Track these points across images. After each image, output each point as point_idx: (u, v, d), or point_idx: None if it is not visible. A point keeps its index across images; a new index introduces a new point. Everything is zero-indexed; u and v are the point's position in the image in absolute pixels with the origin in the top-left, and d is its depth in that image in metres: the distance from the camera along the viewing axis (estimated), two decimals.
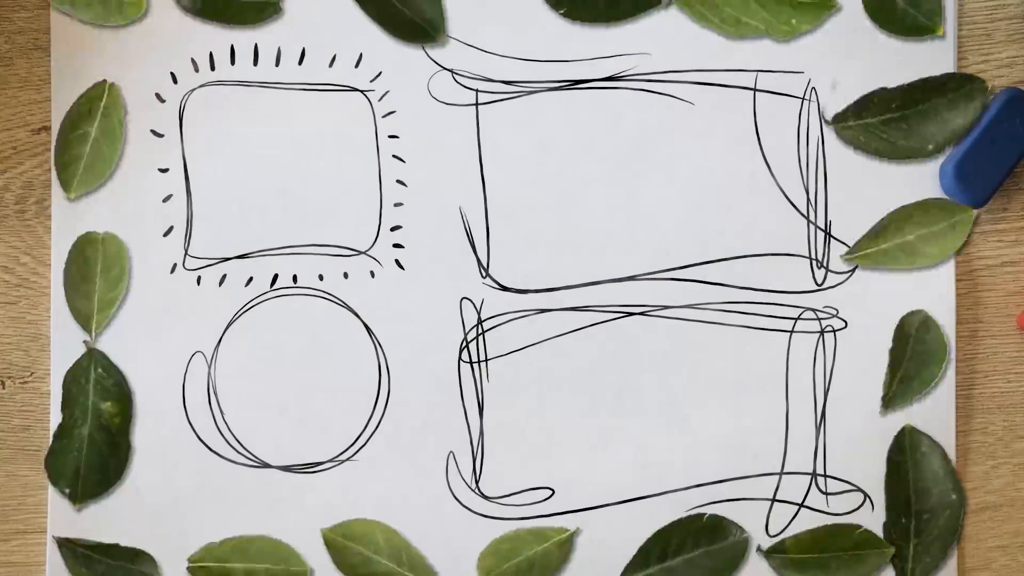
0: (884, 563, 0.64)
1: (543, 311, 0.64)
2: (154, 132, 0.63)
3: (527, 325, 0.64)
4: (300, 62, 0.63)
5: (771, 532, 0.64)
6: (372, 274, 0.64)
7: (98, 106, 0.63)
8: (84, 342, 0.63)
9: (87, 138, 0.63)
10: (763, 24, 0.63)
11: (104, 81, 0.63)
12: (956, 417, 0.64)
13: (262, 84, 0.63)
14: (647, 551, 0.63)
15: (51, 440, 0.63)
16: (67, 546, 0.63)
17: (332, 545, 0.63)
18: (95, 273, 0.63)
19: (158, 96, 0.63)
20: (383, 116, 0.64)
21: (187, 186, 0.64)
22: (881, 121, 0.63)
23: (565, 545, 0.63)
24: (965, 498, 0.64)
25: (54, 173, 0.63)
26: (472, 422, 0.64)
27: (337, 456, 0.64)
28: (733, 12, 0.63)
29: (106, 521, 0.63)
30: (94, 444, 0.63)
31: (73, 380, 0.63)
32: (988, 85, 0.62)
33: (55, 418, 0.63)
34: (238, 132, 0.63)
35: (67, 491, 0.63)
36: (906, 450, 0.63)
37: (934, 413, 0.64)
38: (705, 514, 0.63)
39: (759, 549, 0.64)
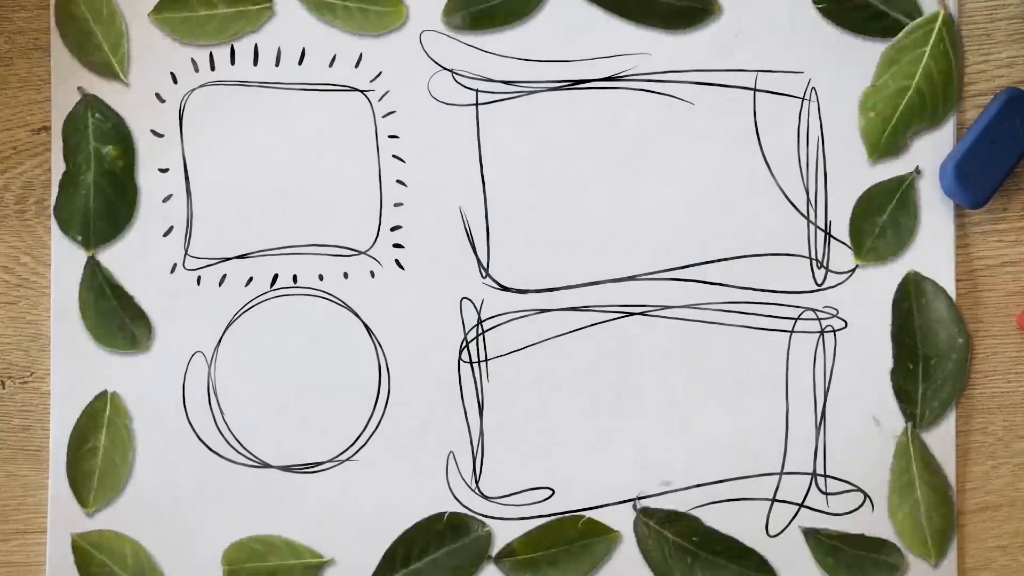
0: (612, 547, 0.63)
1: (543, 311, 0.64)
2: (154, 132, 0.63)
3: (527, 325, 0.64)
4: (300, 62, 0.63)
5: (771, 532, 0.64)
6: (372, 274, 0.64)
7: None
8: (78, 88, 0.63)
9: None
10: None
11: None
12: (956, 417, 0.64)
13: (262, 84, 0.63)
14: (392, 556, 0.63)
15: (56, 191, 0.63)
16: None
17: (77, 551, 0.63)
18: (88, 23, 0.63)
19: (158, 96, 0.63)
20: (383, 116, 0.64)
21: (187, 186, 0.64)
22: None
23: (311, 571, 0.63)
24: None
25: (54, 176, 0.63)
26: (472, 422, 0.64)
27: (337, 456, 0.64)
28: None
29: (106, 521, 0.63)
30: (100, 190, 0.63)
31: (72, 128, 0.63)
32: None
33: (58, 169, 0.63)
34: (238, 132, 0.63)
35: (79, 238, 0.63)
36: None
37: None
38: (446, 512, 0.63)
39: (488, 557, 0.63)
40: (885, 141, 0.63)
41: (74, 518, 0.63)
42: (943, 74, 0.63)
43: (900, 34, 0.63)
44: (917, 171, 0.63)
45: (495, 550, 0.63)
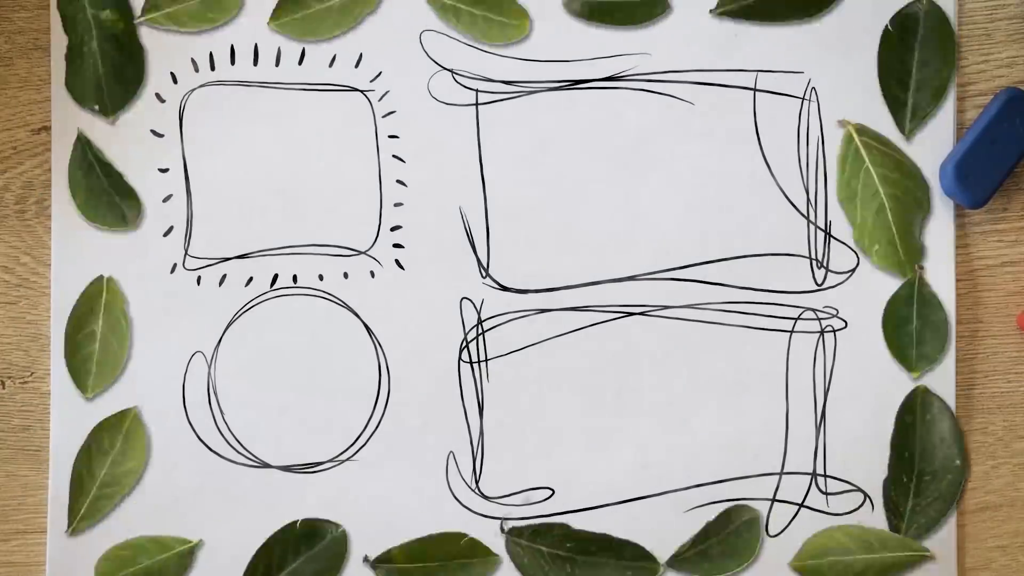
0: (491, 571, 0.63)
1: (543, 311, 0.64)
2: (154, 132, 0.64)
3: (527, 325, 0.64)
4: (300, 62, 0.63)
5: (771, 532, 0.64)
6: (372, 274, 0.64)
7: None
8: None
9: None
10: None
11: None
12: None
13: (262, 84, 0.63)
14: (253, 570, 0.63)
15: (64, 65, 0.63)
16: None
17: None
18: None
19: (158, 96, 0.63)
20: (383, 116, 0.64)
21: (187, 186, 0.64)
22: None
23: (186, 557, 0.63)
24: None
25: (54, 177, 0.63)
26: (472, 422, 0.64)
27: (337, 456, 0.64)
28: None
29: (106, 520, 0.63)
30: (106, 55, 0.63)
31: (67, 1, 0.63)
32: None
33: (60, 43, 0.63)
34: (238, 132, 0.63)
35: (96, 107, 0.63)
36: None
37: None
38: (298, 520, 0.63)
39: (366, 559, 0.63)
40: (905, 255, 0.63)
41: (76, 407, 0.63)
42: (896, 167, 0.63)
43: (835, 176, 0.63)
44: (920, 267, 0.63)
45: (375, 554, 0.63)
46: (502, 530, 0.63)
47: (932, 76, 0.63)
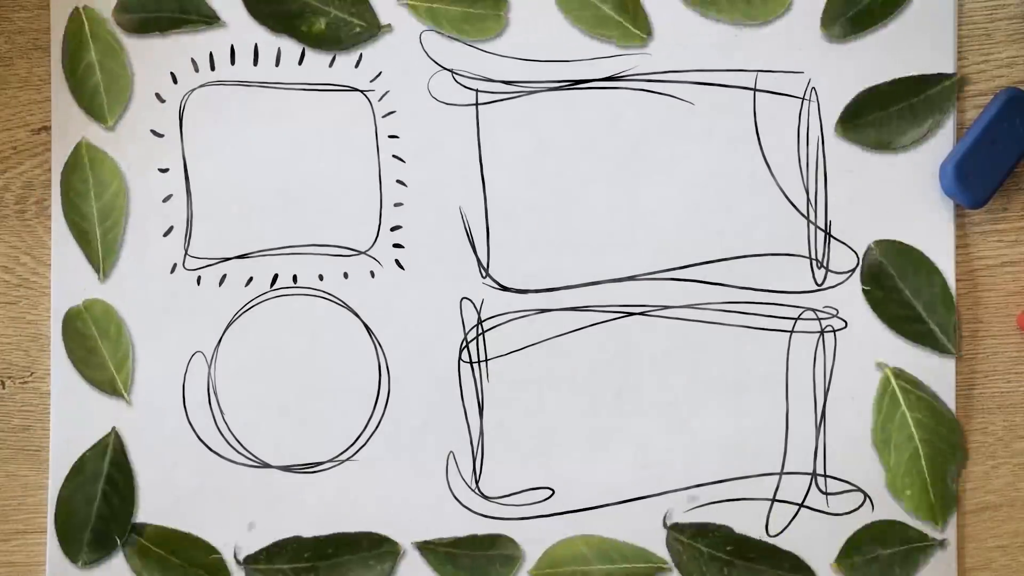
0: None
1: (543, 311, 0.64)
2: (154, 132, 0.64)
3: (527, 325, 0.64)
4: (300, 62, 0.63)
5: (771, 532, 0.64)
6: (372, 274, 0.64)
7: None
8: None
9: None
10: None
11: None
12: (956, 417, 0.64)
13: (262, 84, 0.63)
14: None
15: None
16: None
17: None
18: None
19: (158, 96, 0.63)
20: (383, 116, 0.64)
21: (187, 186, 0.64)
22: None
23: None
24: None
25: (54, 177, 0.63)
26: (472, 422, 0.64)
27: (337, 456, 0.64)
28: None
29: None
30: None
31: None
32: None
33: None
34: (238, 132, 0.63)
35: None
36: None
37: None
38: None
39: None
40: (937, 503, 0.63)
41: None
42: (930, 412, 0.63)
43: (873, 422, 0.63)
44: (942, 544, 0.64)
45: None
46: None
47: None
